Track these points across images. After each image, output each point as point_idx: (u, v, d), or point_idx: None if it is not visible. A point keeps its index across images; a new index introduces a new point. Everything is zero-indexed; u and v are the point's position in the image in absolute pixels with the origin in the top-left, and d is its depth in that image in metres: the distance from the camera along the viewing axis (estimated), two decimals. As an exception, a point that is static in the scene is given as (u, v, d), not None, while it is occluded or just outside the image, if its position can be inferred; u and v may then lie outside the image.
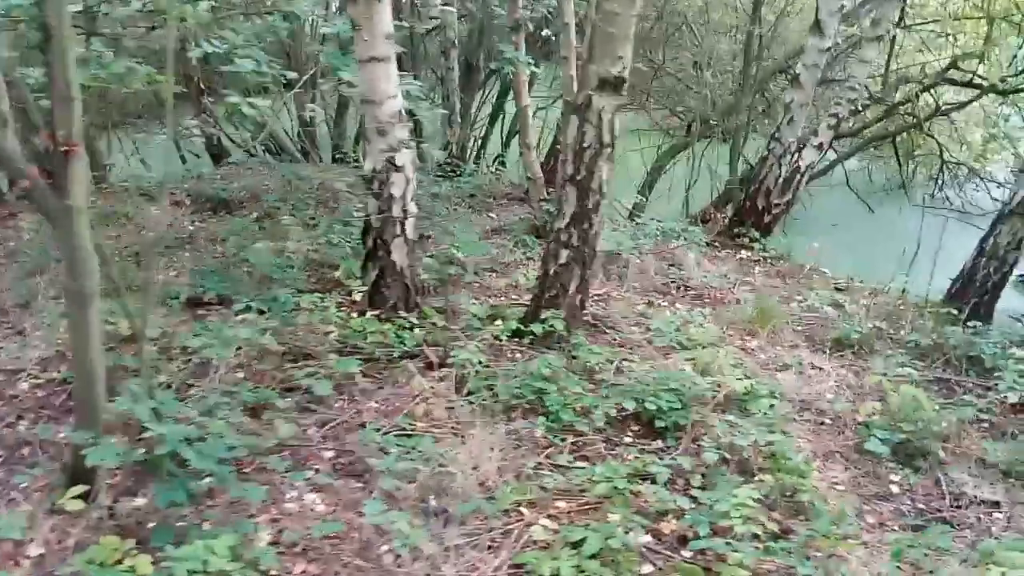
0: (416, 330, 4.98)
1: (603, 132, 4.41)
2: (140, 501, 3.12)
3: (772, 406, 4.24)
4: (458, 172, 9.68)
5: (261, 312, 5.20)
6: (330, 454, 3.77)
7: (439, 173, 9.63)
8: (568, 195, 4.67)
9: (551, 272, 4.89)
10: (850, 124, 9.62)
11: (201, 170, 9.49)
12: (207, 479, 3.11)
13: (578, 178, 4.57)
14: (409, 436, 3.80)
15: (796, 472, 3.58)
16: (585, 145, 4.46)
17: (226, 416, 3.50)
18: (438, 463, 3.53)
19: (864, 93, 8.30)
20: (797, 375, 5.00)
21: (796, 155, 8.08)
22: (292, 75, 5.29)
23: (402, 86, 5.36)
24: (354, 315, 5.09)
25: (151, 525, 2.96)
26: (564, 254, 4.81)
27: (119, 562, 2.70)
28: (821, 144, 8.16)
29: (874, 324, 5.89)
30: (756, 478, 3.58)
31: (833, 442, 4.17)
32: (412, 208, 4.98)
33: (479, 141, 10.96)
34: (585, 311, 5.19)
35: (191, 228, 7.58)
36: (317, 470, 3.58)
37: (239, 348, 4.53)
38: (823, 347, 5.56)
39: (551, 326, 4.77)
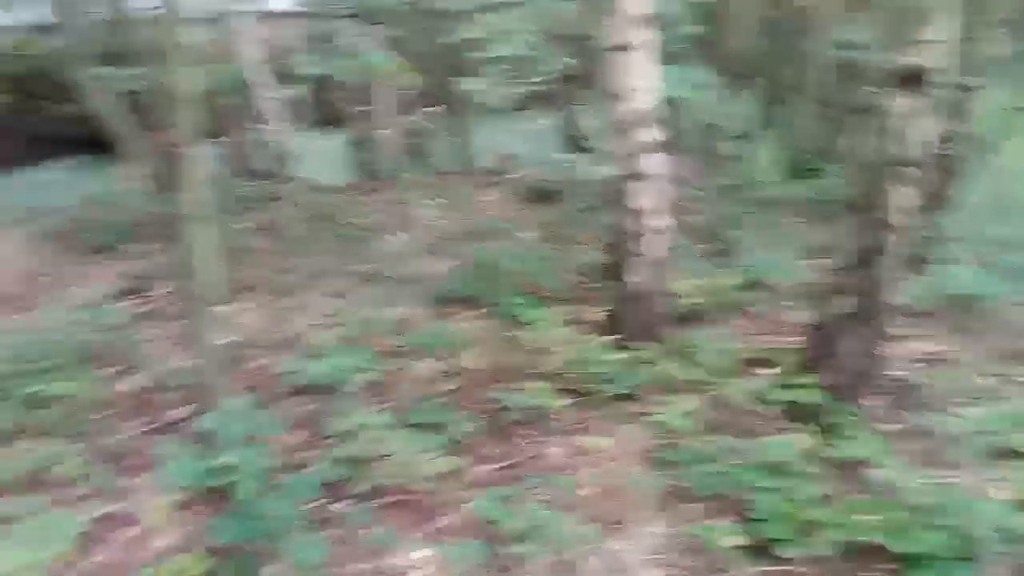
0: (653, 366, 4.18)
1: (898, 143, 3.13)
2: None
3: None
4: (814, 174, 8.27)
5: (514, 318, 4.90)
6: (471, 505, 3.26)
7: (787, 173, 8.34)
8: (849, 226, 3.46)
9: (821, 323, 3.72)
10: None
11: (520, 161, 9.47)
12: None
13: (861, 204, 3.35)
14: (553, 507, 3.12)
15: None
16: (869, 161, 3.23)
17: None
18: (561, 556, 2.81)
19: None
20: None
21: None
22: (559, 62, 4.77)
23: (683, 78, 4.55)
24: (587, 337, 4.47)
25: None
26: (841, 303, 3.60)
27: None
28: None
29: None
30: None
31: None
32: (659, 223, 4.17)
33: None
34: (877, 379, 3.86)
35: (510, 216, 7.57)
36: (437, 527, 3.11)
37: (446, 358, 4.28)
38: None
39: (802, 398, 3.62)
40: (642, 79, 3.91)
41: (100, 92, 3.89)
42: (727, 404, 3.83)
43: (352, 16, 6.84)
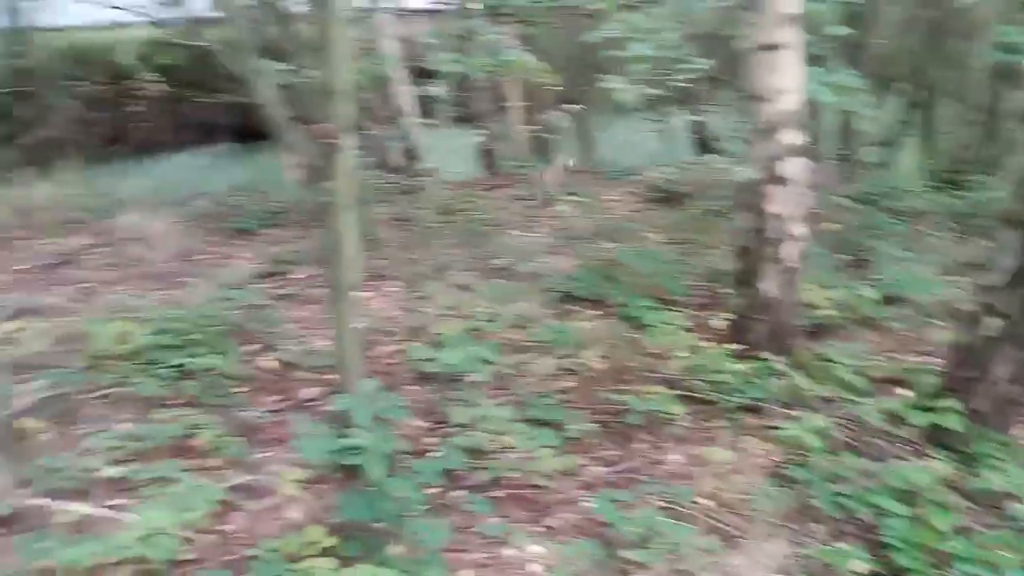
0: (777, 379, 4.04)
1: (1070, 156, 2.89)
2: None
3: None
4: (962, 185, 7.77)
5: (636, 320, 4.86)
6: (588, 504, 3.26)
7: (932, 183, 7.87)
8: (1005, 241, 3.23)
9: (966, 344, 3.49)
10: None
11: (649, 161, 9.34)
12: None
13: (1019, 218, 3.12)
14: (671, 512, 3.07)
15: None
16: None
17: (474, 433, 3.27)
18: (678, 566, 2.77)
19: None
20: None
21: None
22: (700, 62, 4.67)
23: (825, 81, 4.37)
24: (710, 344, 4.37)
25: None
26: (990, 324, 3.37)
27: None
28: None
29: None
30: None
31: None
32: (796, 230, 4.02)
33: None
34: (1028, 408, 3.60)
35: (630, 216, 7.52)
36: (552, 523, 3.12)
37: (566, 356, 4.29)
38: None
39: (941, 422, 3.41)
40: (788, 80, 3.78)
41: (263, 84, 4.13)
42: (859, 423, 3.66)
43: (488, 14, 6.95)
